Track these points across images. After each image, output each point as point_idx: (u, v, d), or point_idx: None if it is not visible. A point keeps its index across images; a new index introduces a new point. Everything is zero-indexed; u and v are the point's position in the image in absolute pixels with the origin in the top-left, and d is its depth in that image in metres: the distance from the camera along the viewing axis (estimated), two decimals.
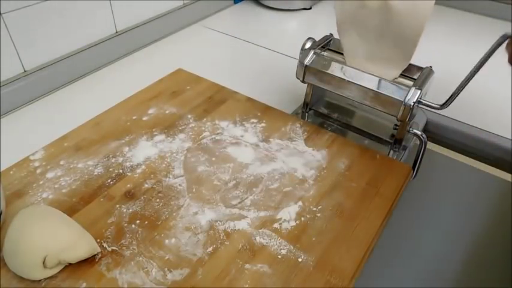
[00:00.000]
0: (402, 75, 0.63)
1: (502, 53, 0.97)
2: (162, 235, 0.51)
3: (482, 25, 1.08)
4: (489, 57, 0.58)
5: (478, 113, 0.75)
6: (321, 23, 1.11)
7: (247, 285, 0.46)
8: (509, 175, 0.75)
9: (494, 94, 0.81)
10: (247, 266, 0.48)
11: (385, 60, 0.62)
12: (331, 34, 0.70)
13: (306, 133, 0.67)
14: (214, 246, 0.50)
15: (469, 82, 0.58)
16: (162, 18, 0.94)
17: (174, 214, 0.53)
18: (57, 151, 0.62)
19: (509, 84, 0.83)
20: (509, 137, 0.70)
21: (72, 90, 0.79)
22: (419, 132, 0.64)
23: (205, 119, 0.69)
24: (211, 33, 1.01)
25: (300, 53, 0.67)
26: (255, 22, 1.09)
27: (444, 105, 0.60)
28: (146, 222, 0.52)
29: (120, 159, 0.61)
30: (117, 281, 0.46)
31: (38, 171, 0.58)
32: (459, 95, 0.59)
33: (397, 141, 0.67)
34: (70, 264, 0.47)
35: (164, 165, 0.60)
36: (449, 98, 0.59)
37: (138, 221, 0.52)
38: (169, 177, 0.58)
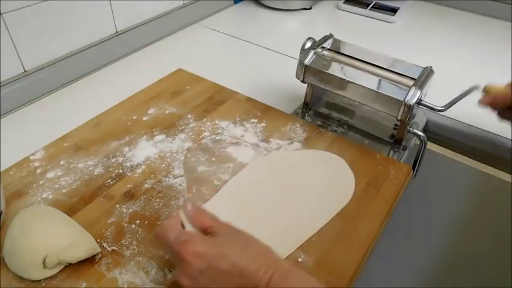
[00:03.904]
0: (402, 75, 0.63)
1: (502, 52, 0.97)
2: None
3: (482, 25, 1.08)
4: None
5: (478, 113, 0.75)
6: (321, 23, 1.11)
7: None
8: (509, 175, 0.75)
9: None
10: None
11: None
12: (331, 34, 0.70)
13: (306, 133, 0.67)
14: None
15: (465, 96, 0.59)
16: (162, 18, 0.94)
17: (174, 214, 0.53)
18: (57, 151, 0.62)
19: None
20: (509, 137, 0.70)
21: (72, 90, 0.78)
22: (419, 132, 0.64)
23: (205, 119, 0.69)
24: (211, 33, 1.01)
25: (300, 53, 0.67)
26: (255, 22, 1.09)
27: (443, 110, 0.60)
28: (146, 222, 0.52)
29: (120, 159, 0.61)
30: (117, 281, 0.46)
31: (38, 171, 0.58)
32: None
33: (397, 141, 0.67)
34: (70, 264, 0.46)
35: (164, 165, 0.60)
36: (449, 104, 0.59)
37: (138, 221, 0.52)
38: (169, 177, 0.58)
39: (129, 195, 0.55)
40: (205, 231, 0.42)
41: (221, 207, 0.53)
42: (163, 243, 0.42)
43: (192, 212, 0.43)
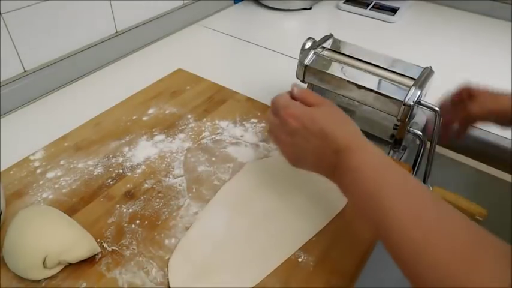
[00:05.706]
0: (402, 75, 0.63)
1: (502, 52, 0.97)
2: (162, 235, 0.51)
3: (482, 25, 1.08)
4: None
5: None
6: (321, 23, 1.11)
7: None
8: (509, 175, 0.74)
9: None
10: None
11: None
12: (331, 34, 0.70)
13: None
14: None
15: None
16: (162, 18, 0.94)
17: (174, 214, 0.53)
18: (57, 151, 0.62)
19: (509, 84, 0.83)
20: (509, 137, 0.70)
21: (72, 90, 0.78)
22: (419, 132, 0.64)
23: (205, 119, 0.69)
24: (211, 33, 1.01)
25: (300, 53, 0.67)
26: (255, 22, 1.09)
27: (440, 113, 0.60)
28: (146, 222, 0.52)
29: (120, 159, 0.61)
30: (117, 281, 0.46)
31: (38, 171, 0.58)
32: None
33: (397, 141, 0.67)
34: (70, 264, 0.47)
35: (164, 165, 0.60)
36: None
37: (138, 221, 0.52)
38: (169, 177, 0.58)
39: (129, 195, 0.55)
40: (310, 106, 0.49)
41: (218, 212, 0.53)
42: (274, 107, 0.51)
43: (299, 91, 0.50)
